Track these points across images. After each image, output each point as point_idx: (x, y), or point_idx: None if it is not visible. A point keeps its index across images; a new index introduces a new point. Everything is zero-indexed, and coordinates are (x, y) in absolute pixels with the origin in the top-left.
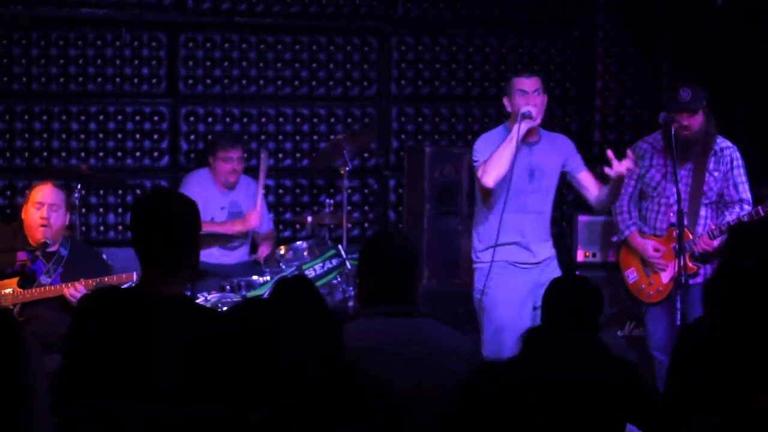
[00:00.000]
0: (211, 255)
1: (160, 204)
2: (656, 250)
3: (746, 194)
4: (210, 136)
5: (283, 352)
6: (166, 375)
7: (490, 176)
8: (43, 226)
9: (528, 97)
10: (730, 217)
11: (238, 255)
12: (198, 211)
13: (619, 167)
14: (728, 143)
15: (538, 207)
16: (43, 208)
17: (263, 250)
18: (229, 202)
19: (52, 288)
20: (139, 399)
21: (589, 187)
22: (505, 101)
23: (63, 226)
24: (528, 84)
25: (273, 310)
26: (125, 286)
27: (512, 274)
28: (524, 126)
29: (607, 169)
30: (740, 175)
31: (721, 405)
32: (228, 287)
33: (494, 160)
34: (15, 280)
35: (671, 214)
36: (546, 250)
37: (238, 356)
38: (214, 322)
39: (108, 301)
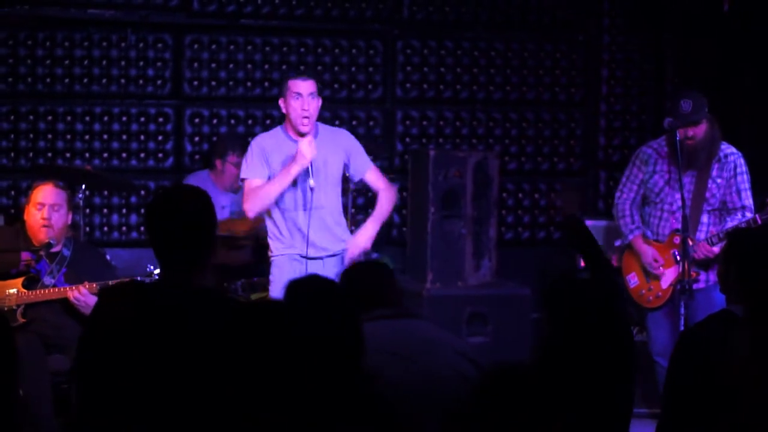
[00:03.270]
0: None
1: (181, 197)
2: (655, 260)
3: (748, 201)
4: (217, 138)
5: (307, 350)
6: (195, 368)
7: (254, 208)
8: (44, 226)
9: (302, 100)
10: (731, 223)
11: (243, 256)
12: (213, 205)
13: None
14: (733, 149)
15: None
16: (44, 208)
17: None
18: (230, 201)
19: (56, 290)
20: (164, 392)
21: (371, 185)
22: (281, 102)
23: (65, 226)
24: (303, 87)
25: (302, 309)
26: None
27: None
28: (297, 168)
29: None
30: (743, 182)
31: (740, 405)
32: (231, 289)
33: (264, 194)
34: (19, 280)
35: (674, 221)
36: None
37: (267, 352)
38: (247, 316)
39: (133, 294)
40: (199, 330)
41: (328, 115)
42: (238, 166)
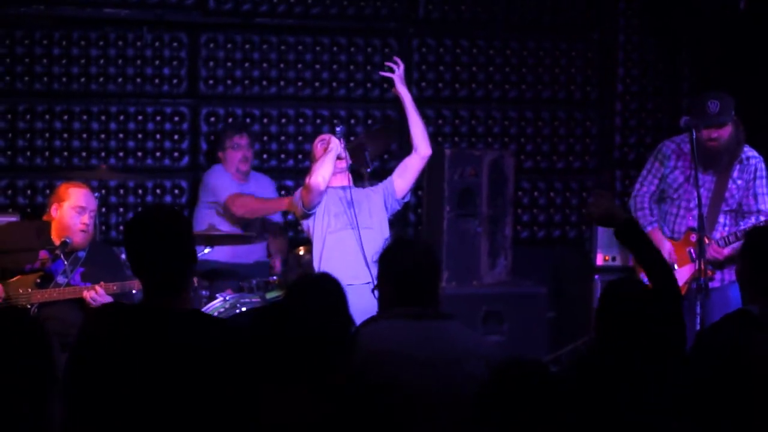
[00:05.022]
0: (229, 255)
1: (159, 219)
2: (669, 255)
3: (765, 206)
4: (213, 137)
5: (298, 359)
6: (185, 392)
7: (315, 178)
8: (83, 231)
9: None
10: (743, 226)
11: (256, 255)
12: (190, 223)
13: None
14: (754, 153)
15: None
16: (85, 213)
17: (276, 264)
18: (249, 191)
19: (71, 289)
20: (150, 414)
21: (403, 162)
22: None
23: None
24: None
25: (288, 317)
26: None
27: None
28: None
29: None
30: (762, 186)
31: (758, 404)
32: (246, 287)
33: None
34: (32, 278)
35: (690, 218)
36: None
37: (259, 369)
38: (232, 336)
39: (119, 318)
40: (181, 352)
41: (343, 114)
42: (239, 148)
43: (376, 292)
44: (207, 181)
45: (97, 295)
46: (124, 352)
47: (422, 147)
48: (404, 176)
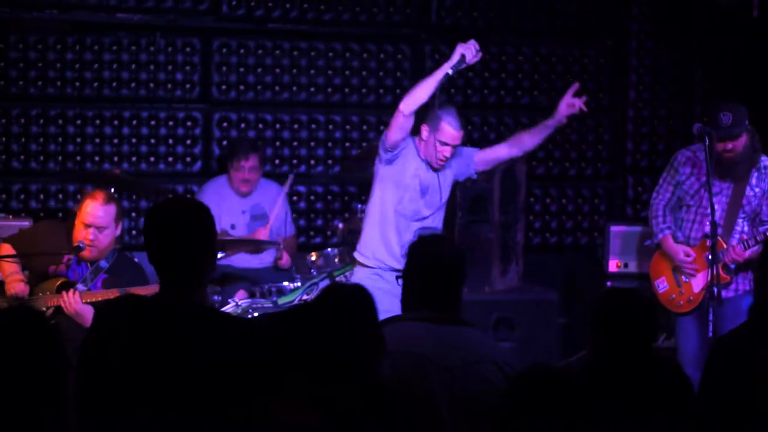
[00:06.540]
0: (240, 260)
1: (182, 211)
2: (687, 255)
3: None
4: (228, 143)
5: (318, 363)
6: (197, 388)
7: (408, 103)
8: (89, 246)
9: (448, 149)
10: (762, 229)
11: (267, 260)
12: (213, 217)
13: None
14: None
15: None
16: (89, 229)
17: (285, 261)
18: (250, 205)
19: (87, 294)
20: (168, 413)
21: (495, 151)
22: (425, 131)
23: (111, 243)
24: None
25: (312, 321)
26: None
27: None
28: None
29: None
30: None
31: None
32: (258, 293)
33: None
34: (54, 284)
35: (707, 224)
36: None
37: (273, 367)
38: (247, 332)
39: (131, 311)
40: (198, 348)
41: (356, 120)
42: (240, 170)
43: (400, 281)
44: (203, 195)
45: (71, 299)
46: (134, 345)
47: (522, 153)
48: (489, 163)
